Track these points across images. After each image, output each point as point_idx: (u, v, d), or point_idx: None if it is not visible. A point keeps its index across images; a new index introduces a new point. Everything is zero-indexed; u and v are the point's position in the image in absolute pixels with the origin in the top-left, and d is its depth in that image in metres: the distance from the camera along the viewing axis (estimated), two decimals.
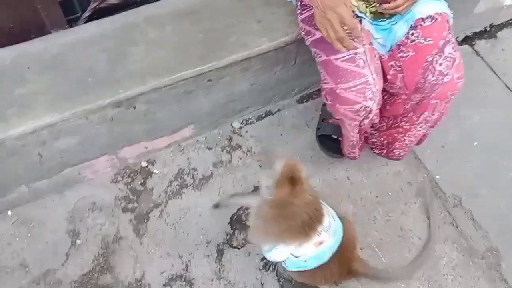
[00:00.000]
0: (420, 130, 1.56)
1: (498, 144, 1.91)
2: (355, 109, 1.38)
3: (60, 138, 1.46)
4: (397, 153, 1.75)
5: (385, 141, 1.72)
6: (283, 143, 1.86)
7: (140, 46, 1.52)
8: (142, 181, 1.75)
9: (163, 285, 1.57)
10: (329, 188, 1.77)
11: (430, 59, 1.36)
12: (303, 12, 1.48)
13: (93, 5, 1.59)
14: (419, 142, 1.72)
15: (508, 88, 2.07)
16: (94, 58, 1.49)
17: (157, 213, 1.69)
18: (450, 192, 1.79)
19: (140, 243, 1.64)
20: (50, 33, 1.54)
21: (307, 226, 1.28)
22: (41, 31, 1.51)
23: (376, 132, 1.72)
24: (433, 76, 1.37)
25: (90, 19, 1.60)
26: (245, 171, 1.79)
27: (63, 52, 1.49)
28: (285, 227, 1.27)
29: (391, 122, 1.62)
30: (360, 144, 1.68)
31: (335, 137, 1.79)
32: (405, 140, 1.63)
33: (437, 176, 1.82)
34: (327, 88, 1.41)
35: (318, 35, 1.39)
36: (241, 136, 1.87)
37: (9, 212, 1.67)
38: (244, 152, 1.83)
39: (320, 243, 1.33)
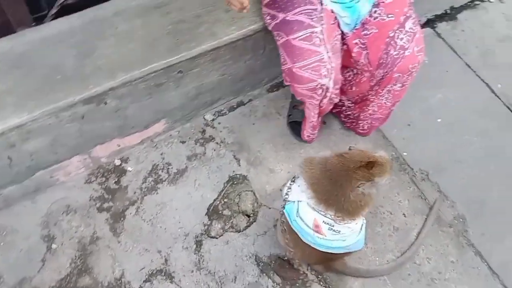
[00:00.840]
0: (383, 100, 1.62)
1: (460, 120, 2.02)
2: (311, 87, 1.43)
3: (30, 139, 1.43)
4: (361, 124, 1.79)
5: (356, 114, 1.78)
6: (255, 132, 1.89)
7: (110, 40, 1.51)
8: (116, 179, 1.73)
9: (144, 281, 1.56)
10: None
11: (392, 34, 1.43)
12: None
13: (60, 1, 1.56)
14: (385, 119, 1.77)
15: (468, 66, 2.19)
16: (62, 55, 1.46)
17: (133, 211, 1.68)
18: (418, 167, 1.87)
19: (118, 242, 1.62)
20: (15, 32, 1.50)
21: (342, 207, 1.28)
22: (6, 30, 1.47)
23: (352, 105, 1.77)
24: (394, 51, 1.44)
25: (57, 16, 1.57)
26: (219, 161, 1.81)
27: (29, 50, 1.46)
28: (331, 187, 1.27)
29: (361, 96, 1.68)
30: (318, 126, 1.74)
31: None
32: (368, 110, 1.69)
33: (405, 153, 1.90)
34: (285, 68, 1.46)
35: (280, 17, 1.44)
36: (213, 128, 1.88)
37: None
38: (217, 143, 1.85)
39: (318, 228, 1.34)
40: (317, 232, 1.34)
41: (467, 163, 1.91)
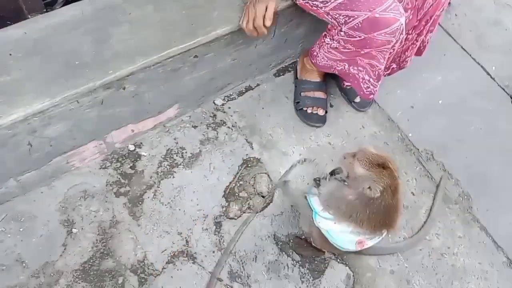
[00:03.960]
0: (428, 30, 1.74)
1: (459, 101, 2.10)
2: (394, 29, 1.48)
3: (51, 124, 1.42)
4: (408, 60, 1.87)
5: (392, 57, 1.82)
6: (265, 116, 1.92)
7: (124, 26, 1.51)
8: (132, 164, 1.75)
9: (166, 262, 1.59)
10: (313, 154, 1.86)
11: None
12: None
13: None
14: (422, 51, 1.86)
15: (464, 49, 2.27)
16: (78, 41, 1.46)
17: (151, 194, 1.70)
18: (423, 147, 1.94)
19: (138, 225, 1.64)
20: (27, 18, 1.48)
21: (380, 225, 1.33)
22: (18, 17, 1.46)
23: None
24: None
25: (67, 2, 1.56)
26: (232, 145, 1.84)
27: (44, 36, 1.45)
28: (367, 216, 1.30)
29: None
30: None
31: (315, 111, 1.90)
32: (416, 45, 1.78)
33: (410, 134, 1.97)
34: (358, 22, 1.49)
35: None
36: (224, 112, 1.90)
37: None
38: (229, 127, 1.87)
39: (361, 244, 1.39)
40: (360, 246, 1.40)
41: (468, 142, 1.99)
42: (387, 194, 1.26)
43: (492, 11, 2.52)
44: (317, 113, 1.89)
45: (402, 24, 1.50)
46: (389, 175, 1.26)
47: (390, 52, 1.61)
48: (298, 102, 1.93)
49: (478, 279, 1.70)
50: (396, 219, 1.34)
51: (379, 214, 1.30)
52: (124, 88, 1.50)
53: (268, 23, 1.56)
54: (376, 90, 1.74)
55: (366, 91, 1.74)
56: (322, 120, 1.91)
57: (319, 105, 1.90)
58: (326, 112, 1.93)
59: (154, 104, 1.68)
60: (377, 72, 1.67)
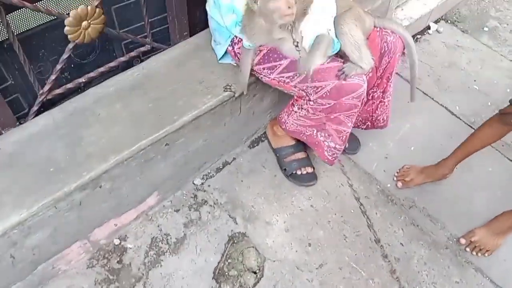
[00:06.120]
0: (391, 87, 1.82)
1: (430, 144, 2.16)
2: (360, 93, 1.57)
3: (31, 234, 1.43)
4: (381, 118, 1.93)
5: (365, 115, 1.90)
6: (245, 188, 1.95)
7: (94, 127, 1.57)
8: (118, 259, 1.74)
9: None
10: (297, 219, 1.87)
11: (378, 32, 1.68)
12: (256, 56, 1.64)
13: (40, 99, 1.63)
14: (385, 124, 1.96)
15: (426, 94, 2.37)
16: (51, 148, 1.51)
17: (141, 287, 1.68)
18: (403, 196, 1.97)
19: None
20: (1, 134, 1.54)
21: None
22: None
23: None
24: (390, 37, 1.66)
25: (39, 112, 1.63)
26: (216, 223, 1.85)
27: (18, 148, 1.49)
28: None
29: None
30: None
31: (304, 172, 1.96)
32: (384, 103, 1.85)
33: (388, 185, 2.00)
34: (326, 90, 1.57)
35: (284, 63, 1.59)
36: (204, 191, 1.93)
37: None
38: (211, 205, 1.89)
39: None
40: None
41: (446, 183, 2.02)
42: None
43: (444, 55, 2.67)
44: (306, 172, 1.95)
45: (365, 89, 1.59)
46: None
47: (357, 116, 1.69)
48: (285, 169, 1.98)
49: None
50: None
51: None
52: (100, 186, 1.53)
53: None
54: (340, 152, 1.81)
55: (332, 158, 1.82)
56: (313, 177, 1.96)
57: (306, 165, 1.96)
58: (313, 168, 1.98)
59: (132, 196, 1.71)
60: (344, 137, 1.73)
